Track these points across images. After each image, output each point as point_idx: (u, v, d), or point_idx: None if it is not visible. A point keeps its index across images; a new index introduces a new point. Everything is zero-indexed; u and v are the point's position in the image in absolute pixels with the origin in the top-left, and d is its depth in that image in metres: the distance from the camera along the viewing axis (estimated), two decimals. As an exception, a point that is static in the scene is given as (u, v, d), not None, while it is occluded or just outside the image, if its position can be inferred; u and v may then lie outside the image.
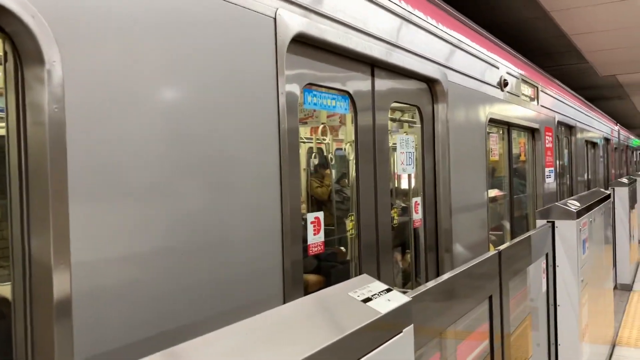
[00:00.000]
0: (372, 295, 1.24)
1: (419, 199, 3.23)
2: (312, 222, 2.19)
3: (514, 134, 5.25)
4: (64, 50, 1.22)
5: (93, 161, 1.30)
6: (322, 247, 2.25)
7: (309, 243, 2.19)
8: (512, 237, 5.32)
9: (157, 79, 1.47)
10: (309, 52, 2.14)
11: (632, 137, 21.69)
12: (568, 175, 7.81)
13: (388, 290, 1.30)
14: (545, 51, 9.00)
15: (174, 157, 1.49)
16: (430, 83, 3.24)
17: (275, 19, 1.87)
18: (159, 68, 1.47)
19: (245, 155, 1.74)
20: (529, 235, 3.11)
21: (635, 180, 9.58)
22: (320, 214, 2.23)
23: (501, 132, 4.95)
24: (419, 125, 3.24)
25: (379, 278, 2.60)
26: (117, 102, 1.35)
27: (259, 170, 1.80)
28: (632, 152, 22.09)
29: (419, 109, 3.21)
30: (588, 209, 4.12)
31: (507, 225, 5.20)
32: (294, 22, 1.96)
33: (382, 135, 2.78)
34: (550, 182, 6.23)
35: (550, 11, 5.78)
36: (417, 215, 3.21)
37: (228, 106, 1.68)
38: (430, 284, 1.82)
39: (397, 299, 1.27)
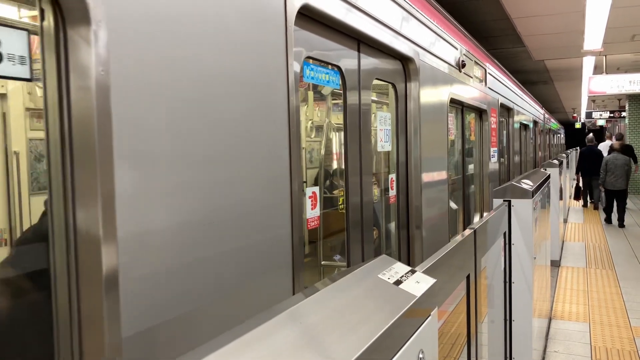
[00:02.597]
0: (400, 277, 1.14)
1: (394, 176, 3.26)
2: (310, 197, 2.17)
3: (466, 114, 5.39)
4: (109, 10, 1.15)
5: (135, 129, 1.25)
6: (317, 221, 2.24)
7: (307, 217, 2.20)
8: (464, 214, 5.53)
9: (190, 47, 1.44)
10: (308, 25, 2.13)
11: (553, 120, 22.86)
12: (506, 156, 8.10)
13: (412, 272, 1.21)
14: (484, 34, 9.20)
15: (204, 127, 1.49)
16: (405, 61, 3.29)
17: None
18: (191, 36, 1.44)
19: (261, 130, 1.76)
20: (494, 214, 3.12)
21: (562, 161, 10.08)
22: (317, 189, 2.22)
23: (455, 112, 5.02)
24: (394, 104, 3.25)
25: (362, 252, 2.71)
26: (157, 67, 1.32)
27: (273, 145, 1.82)
28: (553, 135, 23.30)
29: (394, 86, 3.25)
30: (538, 188, 4.22)
31: (461, 201, 5.39)
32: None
33: (366, 112, 2.82)
34: (495, 161, 6.49)
35: (499, -7, 5.86)
36: (392, 192, 3.26)
37: (245, 78, 1.67)
38: (419, 267, 1.75)
39: (424, 280, 1.18)
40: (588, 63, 12.42)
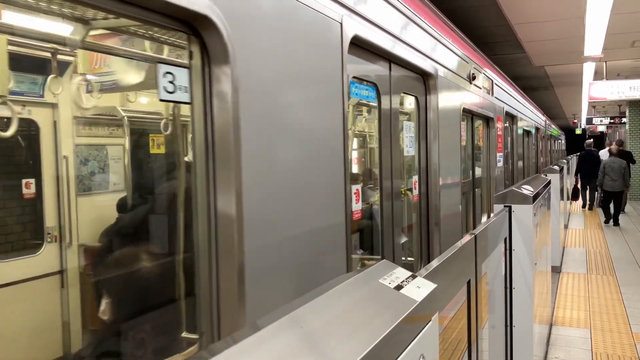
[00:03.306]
0: (401, 282, 1.14)
1: (416, 177, 3.75)
2: (354, 193, 2.57)
3: (475, 121, 5.75)
4: (238, 54, 1.55)
5: (255, 139, 1.64)
6: (360, 214, 2.67)
7: (353, 210, 2.59)
8: (474, 215, 5.70)
9: (284, 77, 1.84)
10: (354, 50, 2.49)
11: (553, 126, 22.87)
12: (510, 161, 8.22)
13: (413, 277, 1.21)
14: (484, 40, 9.21)
15: (294, 136, 1.90)
16: (425, 76, 3.72)
17: (341, 23, 2.26)
18: (284, 68, 1.84)
19: (327, 141, 2.14)
20: (494, 220, 3.11)
21: (563, 167, 10.08)
22: (359, 186, 2.66)
23: (466, 120, 5.31)
24: (416, 114, 3.73)
25: (393, 245, 3.21)
26: (265, 94, 1.71)
27: (334, 153, 2.20)
28: (554, 141, 23.30)
29: (417, 98, 3.68)
30: (539, 193, 4.22)
31: (471, 202, 5.82)
32: (353, 26, 2.37)
33: (396, 122, 3.24)
34: (500, 166, 6.85)
35: (499, -1, 5.87)
36: (415, 191, 3.74)
37: (316, 99, 2.07)
38: (422, 272, 1.75)
39: (425, 285, 1.18)
40: (588, 69, 12.44)
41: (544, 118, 16.05)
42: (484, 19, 7.75)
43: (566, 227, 12.07)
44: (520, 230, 3.66)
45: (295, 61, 1.88)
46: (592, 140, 15.55)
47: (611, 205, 12.60)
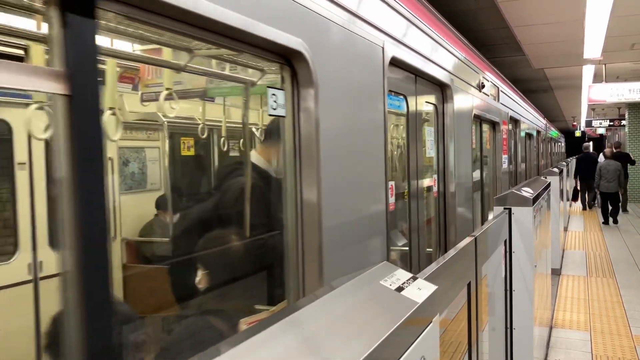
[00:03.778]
0: (402, 284, 1.14)
1: (436, 176, 4.17)
2: (390, 188, 2.91)
3: (483, 126, 6.12)
4: (319, 77, 1.99)
5: (328, 145, 2.06)
6: (393, 206, 3.00)
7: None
8: (482, 212, 5.88)
9: (346, 95, 2.29)
10: (390, 68, 2.88)
11: (553, 128, 22.87)
12: (513, 163, 8.35)
13: (414, 279, 1.20)
14: (484, 42, 9.22)
15: (354, 144, 2.35)
16: (443, 87, 4.17)
17: (383, 47, 2.69)
18: (346, 87, 2.30)
19: (373, 144, 2.56)
20: (494, 222, 3.11)
21: (562, 169, 10.08)
22: (393, 182, 3.02)
23: (476, 125, 5.61)
24: (435, 120, 4.19)
25: (418, 234, 3.69)
26: (334, 108, 2.14)
27: (378, 154, 2.62)
28: (554, 143, 23.30)
29: (436, 107, 4.11)
30: (539, 195, 4.22)
31: (479, 200, 6.10)
32: (392, 49, 2.80)
33: (420, 128, 3.76)
34: (505, 167, 7.22)
35: (499, 2, 5.87)
36: (435, 188, 4.19)
37: (367, 109, 2.51)
38: (420, 274, 1.75)
39: (426, 287, 1.17)
40: (588, 71, 12.45)
41: (545, 122, 16.16)
42: (484, 22, 7.76)
43: (566, 229, 12.07)
44: (520, 233, 3.65)
45: (352, 80, 2.34)
46: (590, 143, 16.22)
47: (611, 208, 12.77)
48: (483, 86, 5.57)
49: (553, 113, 26.44)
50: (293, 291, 2.03)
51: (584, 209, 15.93)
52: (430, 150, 4.07)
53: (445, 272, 1.88)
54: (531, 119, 11.40)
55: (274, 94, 1.98)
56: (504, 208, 3.65)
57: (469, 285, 2.31)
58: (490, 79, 6.19)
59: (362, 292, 1.04)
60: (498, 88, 6.68)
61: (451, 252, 2.03)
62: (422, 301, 1.08)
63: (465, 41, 5.18)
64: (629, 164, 15.13)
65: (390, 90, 3.06)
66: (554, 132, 23.16)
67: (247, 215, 2.60)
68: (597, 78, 13.05)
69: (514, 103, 8.34)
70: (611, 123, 20.84)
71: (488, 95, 5.93)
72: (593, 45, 8.35)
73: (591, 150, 16.41)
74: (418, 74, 3.60)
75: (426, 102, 3.93)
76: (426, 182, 4.03)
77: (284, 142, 2.03)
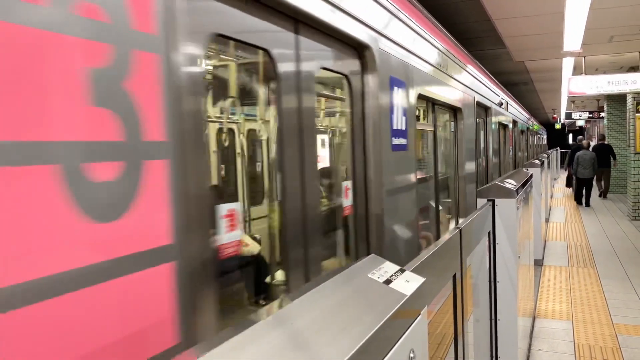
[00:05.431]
0: (390, 277, 1.12)
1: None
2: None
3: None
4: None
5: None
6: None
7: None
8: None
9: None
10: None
11: (534, 121, 23.09)
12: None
13: (402, 271, 1.19)
14: (466, 36, 9.26)
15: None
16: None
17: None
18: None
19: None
20: (478, 214, 3.12)
21: (544, 161, 10.18)
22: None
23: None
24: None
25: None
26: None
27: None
28: (535, 135, 23.54)
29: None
30: (521, 187, 4.24)
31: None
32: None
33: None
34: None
35: (481, -6, 5.89)
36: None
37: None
38: (409, 266, 1.74)
39: (414, 279, 1.16)
40: (567, 64, 12.57)
41: (528, 116, 16.43)
42: (466, 15, 7.78)
43: (547, 220, 12.20)
44: (503, 224, 3.67)
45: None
46: (582, 136, 17.96)
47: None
48: (501, 104, 5.35)
49: (534, 105, 26.71)
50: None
51: (580, 203, 15.72)
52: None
53: (431, 264, 1.87)
54: (516, 113, 11.33)
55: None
56: (488, 200, 3.67)
57: (454, 277, 2.31)
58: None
59: (350, 286, 1.03)
60: (506, 102, 6.37)
61: (437, 244, 2.02)
62: (410, 293, 1.07)
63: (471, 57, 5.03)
64: (611, 156, 15.96)
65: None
66: (535, 125, 23.40)
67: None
68: (576, 70, 13.17)
69: (482, 86, 7.40)
70: (591, 115, 21.12)
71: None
72: (573, 38, 8.42)
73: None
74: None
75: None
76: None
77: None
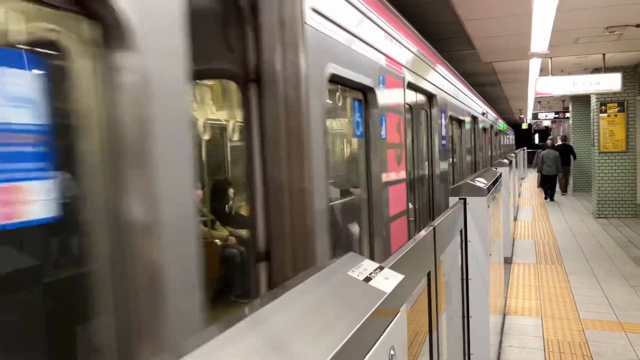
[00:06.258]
0: (369, 274, 1.11)
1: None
2: None
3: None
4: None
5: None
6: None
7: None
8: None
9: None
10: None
11: (501, 121, 23.50)
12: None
13: (381, 268, 1.18)
14: (436, 37, 9.35)
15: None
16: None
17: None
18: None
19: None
20: (451, 212, 3.14)
21: (511, 161, 10.36)
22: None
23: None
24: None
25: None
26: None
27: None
28: (502, 135, 23.95)
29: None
30: (492, 186, 4.30)
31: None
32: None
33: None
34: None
35: (451, -5, 5.95)
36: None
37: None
38: (385, 264, 1.74)
39: (393, 276, 1.15)
40: (534, 65, 12.80)
41: (496, 117, 16.66)
42: (436, 15, 7.85)
43: (515, 219, 12.43)
44: (475, 222, 3.71)
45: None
46: (551, 137, 19.10)
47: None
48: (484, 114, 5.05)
49: (500, 106, 27.16)
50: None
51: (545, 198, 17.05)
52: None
53: (408, 262, 1.87)
54: (466, 101, 9.25)
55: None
56: (459, 198, 3.70)
57: (428, 274, 2.32)
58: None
59: (329, 284, 1.01)
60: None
61: (412, 242, 2.02)
62: (390, 291, 1.06)
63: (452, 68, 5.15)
64: (571, 155, 17.06)
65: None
66: (502, 125, 23.79)
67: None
68: (543, 72, 13.43)
69: (471, 108, 7.31)
70: (556, 115, 21.58)
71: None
72: (540, 40, 8.57)
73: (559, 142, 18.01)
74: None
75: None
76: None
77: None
